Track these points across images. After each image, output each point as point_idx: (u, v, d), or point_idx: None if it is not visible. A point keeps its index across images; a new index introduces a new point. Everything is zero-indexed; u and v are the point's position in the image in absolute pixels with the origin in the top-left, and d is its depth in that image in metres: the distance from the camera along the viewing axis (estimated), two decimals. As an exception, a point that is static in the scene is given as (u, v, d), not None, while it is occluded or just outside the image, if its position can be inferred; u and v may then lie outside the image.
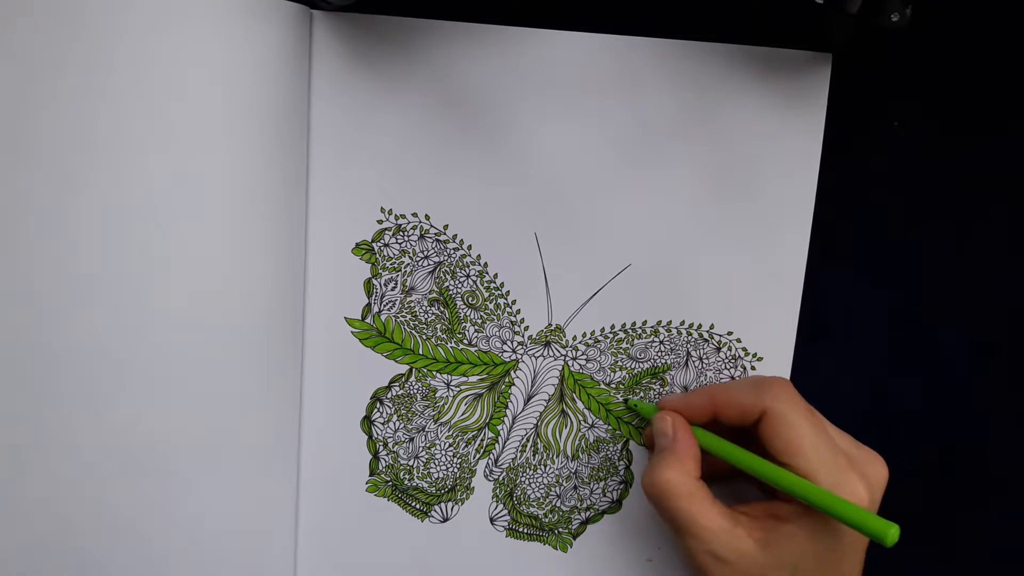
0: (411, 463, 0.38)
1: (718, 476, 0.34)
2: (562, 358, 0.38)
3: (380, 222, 0.37)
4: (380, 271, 0.37)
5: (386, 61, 0.35)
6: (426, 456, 0.38)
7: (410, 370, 0.38)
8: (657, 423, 0.34)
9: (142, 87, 0.31)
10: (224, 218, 0.33)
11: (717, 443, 0.33)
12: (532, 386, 0.38)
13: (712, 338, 0.37)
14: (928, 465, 0.38)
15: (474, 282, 0.37)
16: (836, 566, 0.31)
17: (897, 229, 0.37)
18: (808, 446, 0.30)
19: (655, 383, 0.38)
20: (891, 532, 0.28)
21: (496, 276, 0.37)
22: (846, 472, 0.30)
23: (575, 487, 0.38)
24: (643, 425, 0.38)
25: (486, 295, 0.37)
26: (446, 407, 0.38)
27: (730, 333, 0.37)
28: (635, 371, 0.38)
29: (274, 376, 0.35)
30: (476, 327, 0.38)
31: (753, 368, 0.37)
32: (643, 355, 0.38)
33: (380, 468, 0.38)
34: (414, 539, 0.38)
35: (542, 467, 0.38)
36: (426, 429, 0.38)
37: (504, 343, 0.38)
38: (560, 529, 0.39)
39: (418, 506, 0.38)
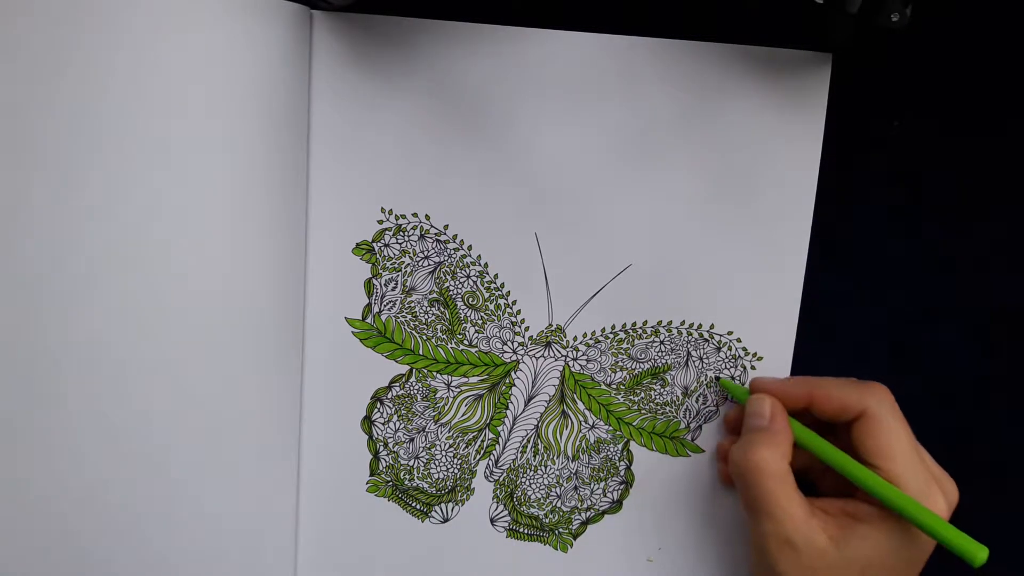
0: (411, 463, 0.38)
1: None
2: (563, 359, 0.38)
3: (380, 222, 0.37)
4: (380, 271, 0.37)
5: (386, 61, 0.35)
6: (426, 456, 0.38)
7: (410, 370, 0.38)
8: (755, 403, 0.34)
9: (142, 87, 0.31)
10: (224, 218, 0.33)
11: (807, 435, 0.33)
12: (533, 387, 0.38)
13: (712, 338, 0.37)
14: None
15: (474, 282, 0.37)
16: (902, 571, 0.31)
17: (897, 229, 0.37)
18: (901, 453, 0.31)
19: (655, 383, 0.38)
20: (980, 555, 0.28)
21: (496, 276, 0.37)
22: (931, 485, 0.30)
23: (575, 487, 0.38)
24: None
25: (486, 295, 0.37)
26: (446, 408, 0.38)
27: (730, 333, 0.37)
28: (636, 371, 0.38)
29: (274, 376, 0.35)
30: (476, 328, 0.37)
31: (753, 368, 0.37)
32: (643, 355, 0.38)
33: (380, 468, 0.38)
34: (414, 539, 0.38)
35: (542, 468, 0.38)
36: (426, 429, 0.38)
37: (504, 344, 0.38)
38: (560, 529, 0.39)
39: (418, 506, 0.38)
